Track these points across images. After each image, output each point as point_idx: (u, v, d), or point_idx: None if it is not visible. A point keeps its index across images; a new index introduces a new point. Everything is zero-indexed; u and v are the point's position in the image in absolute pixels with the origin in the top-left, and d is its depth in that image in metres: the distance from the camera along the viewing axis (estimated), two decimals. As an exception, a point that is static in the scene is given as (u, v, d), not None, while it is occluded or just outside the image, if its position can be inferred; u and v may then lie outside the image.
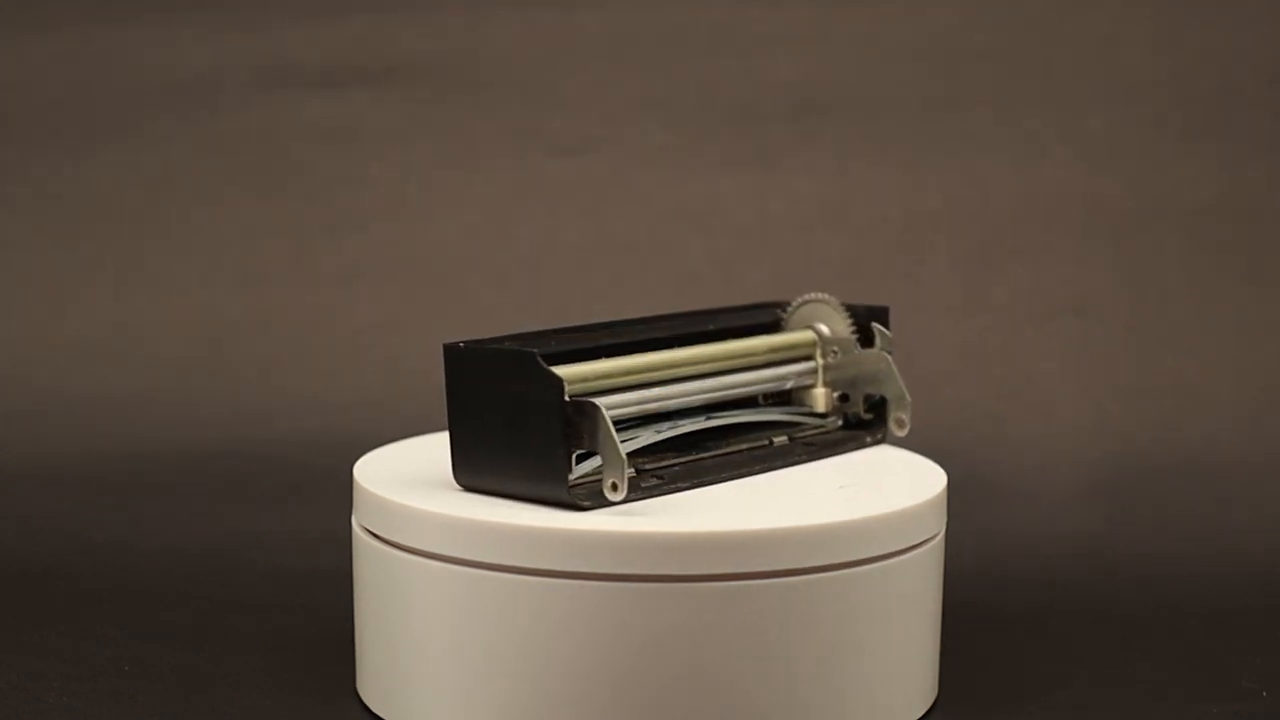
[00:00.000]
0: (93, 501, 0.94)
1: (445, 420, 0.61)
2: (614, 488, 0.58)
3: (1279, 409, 0.97)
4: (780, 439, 0.68)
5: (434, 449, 0.68)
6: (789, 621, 0.57)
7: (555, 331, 0.64)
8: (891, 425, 0.70)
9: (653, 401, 0.63)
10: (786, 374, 0.69)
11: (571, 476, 0.58)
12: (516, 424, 0.58)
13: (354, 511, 0.63)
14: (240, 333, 1.08)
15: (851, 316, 0.70)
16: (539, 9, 1.09)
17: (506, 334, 0.62)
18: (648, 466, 0.62)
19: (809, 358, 0.70)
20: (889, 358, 0.69)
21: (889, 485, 0.64)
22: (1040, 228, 1.03)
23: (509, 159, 1.09)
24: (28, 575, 0.81)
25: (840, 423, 0.71)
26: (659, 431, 0.64)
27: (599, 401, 0.58)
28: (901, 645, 0.61)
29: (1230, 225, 1.01)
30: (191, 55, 1.12)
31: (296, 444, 1.01)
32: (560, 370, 0.58)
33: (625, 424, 0.62)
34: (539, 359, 0.57)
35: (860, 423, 0.71)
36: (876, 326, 0.69)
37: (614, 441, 0.57)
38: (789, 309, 0.71)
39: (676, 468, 0.63)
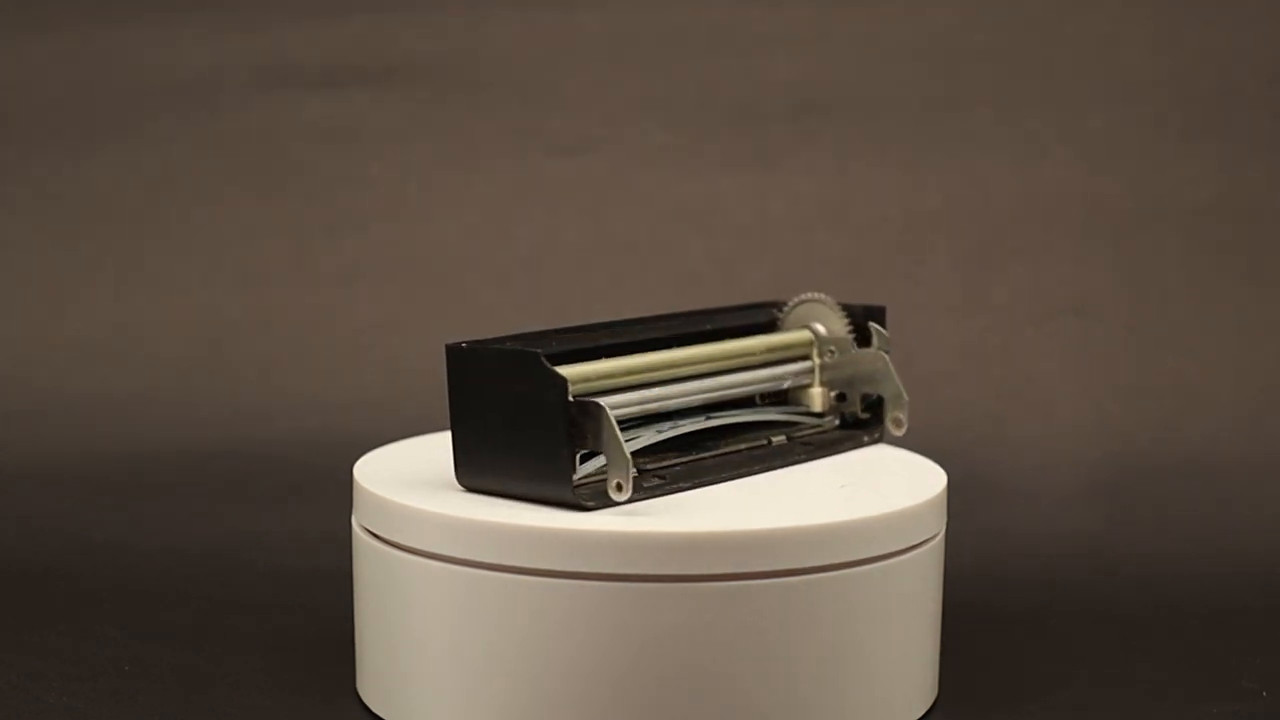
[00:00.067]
0: (93, 501, 0.94)
1: (446, 420, 0.61)
2: (619, 488, 0.58)
3: (1279, 409, 0.97)
4: (779, 439, 0.68)
5: (434, 449, 0.68)
6: (789, 621, 0.57)
7: (555, 331, 0.64)
8: (889, 425, 0.70)
9: (653, 401, 0.63)
10: (784, 374, 0.69)
11: (575, 477, 0.58)
12: (520, 424, 0.58)
13: (354, 511, 0.63)
14: (240, 333, 1.08)
15: (848, 316, 0.70)
16: (539, 9, 1.09)
17: (506, 334, 0.62)
18: (649, 466, 0.62)
19: (806, 357, 0.70)
20: (886, 357, 0.69)
21: (889, 485, 0.64)
22: (1040, 228, 1.03)
23: (509, 159, 1.09)
24: (28, 575, 0.81)
25: (837, 422, 0.71)
26: (660, 431, 0.64)
27: (603, 401, 0.58)
28: (901, 645, 0.61)
29: (1230, 225, 1.01)
30: (191, 55, 1.12)
31: (296, 444, 1.01)
32: (563, 370, 0.58)
33: (626, 424, 0.62)
34: (542, 359, 0.57)
35: (857, 422, 0.71)
36: (874, 326, 0.69)
37: (619, 441, 0.57)
38: (785, 309, 0.71)
39: (677, 468, 0.63)
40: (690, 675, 0.56)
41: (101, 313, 1.10)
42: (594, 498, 0.58)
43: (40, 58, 1.13)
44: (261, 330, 1.08)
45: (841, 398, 0.70)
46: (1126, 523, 0.90)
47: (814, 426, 0.70)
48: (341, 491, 0.67)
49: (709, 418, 0.67)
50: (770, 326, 0.71)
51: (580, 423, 0.58)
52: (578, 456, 0.58)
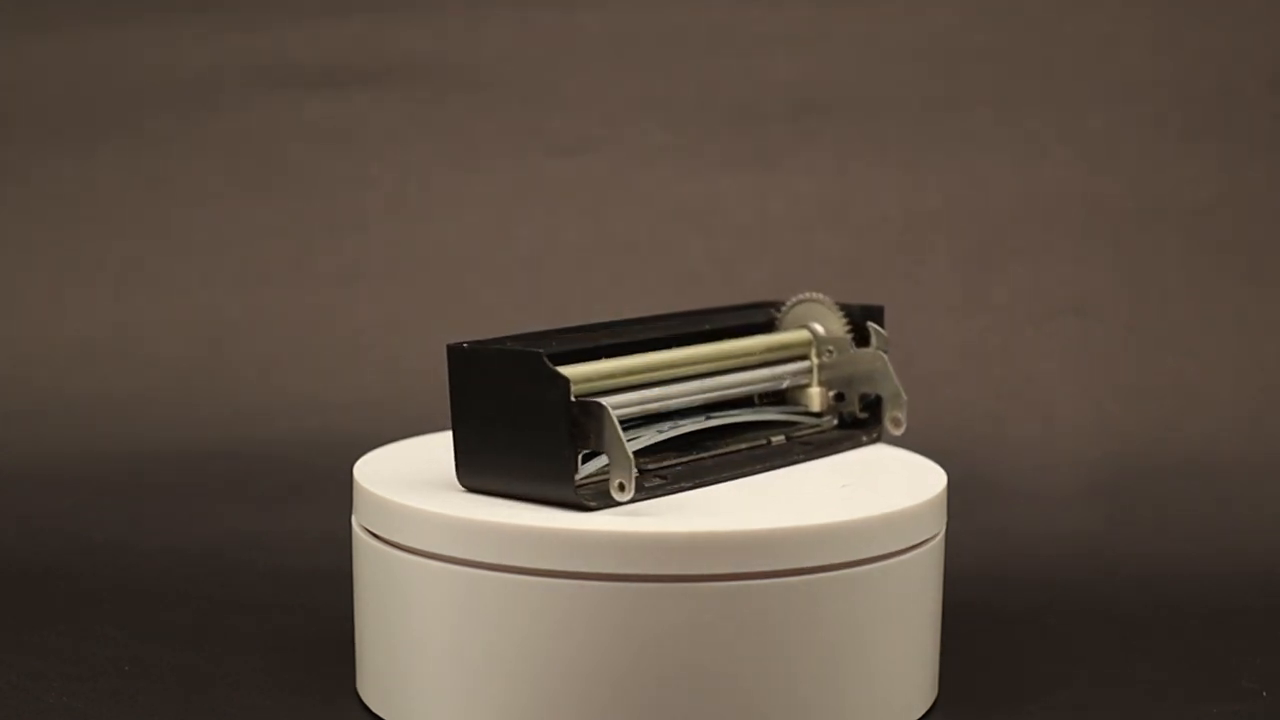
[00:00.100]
0: (93, 501, 0.94)
1: (446, 420, 0.61)
2: (621, 488, 0.58)
3: (1279, 409, 0.97)
4: (778, 438, 0.68)
5: (434, 449, 0.68)
6: (789, 621, 0.57)
7: (555, 332, 0.64)
8: (888, 424, 0.70)
9: (653, 401, 0.63)
10: (783, 373, 0.69)
11: (577, 477, 0.58)
12: (521, 425, 0.58)
13: (354, 511, 0.63)
14: (240, 333, 1.08)
15: (846, 316, 0.70)
16: (539, 9, 1.09)
17: (506, 334, 0.62)
18: (649, 466, 0.62)
19: (805, 357, 0.70)
20: (885, 356, 0.69)
21: (889, 485, 0.64)
22: (1040, 228, 1.03)
23: (509, 159, 1.09)
24: (28, 575, 0.81)
25: (835, 422, 0.71)
26: (661, 431, 0.64)
27: (605, 401, 0.58)
28: (901, 645, 0.61)
29: (1230, 225, 1.01)
30: (191, 55, 1.12)
31: (296, 444, 1.01)
32: (565, 370, 0.58)
33: (626, 424, 0.62)
34: (545, 359, 0.57)
35: (856, 422, 0.71)
36: (872, 325, 0.69)
37: (621, 442, 0.57)
38: (783, 309, 0.71)
39: (678, 468, 0.63)
40: (690, 675, 0.56)
41: (101, 313, 1.10)
42: (596, 498, 0.58)
43: (40, 58, 1.13)
44: (261, 330, 1.08)
45: (840, 397, 0.70)
46: (1126, 523, 0.90)
47: (813, 426, 0.70)
48: (341, 491, 0.67)
49: (709, 417, 0.67)
50: (768, 326, 0.71)
51: (582, 423, 0.58)
52: (579, 457, 0.58)
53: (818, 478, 0.64)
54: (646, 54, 1.08)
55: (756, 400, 0.70)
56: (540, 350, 0.58)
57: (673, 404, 0.64)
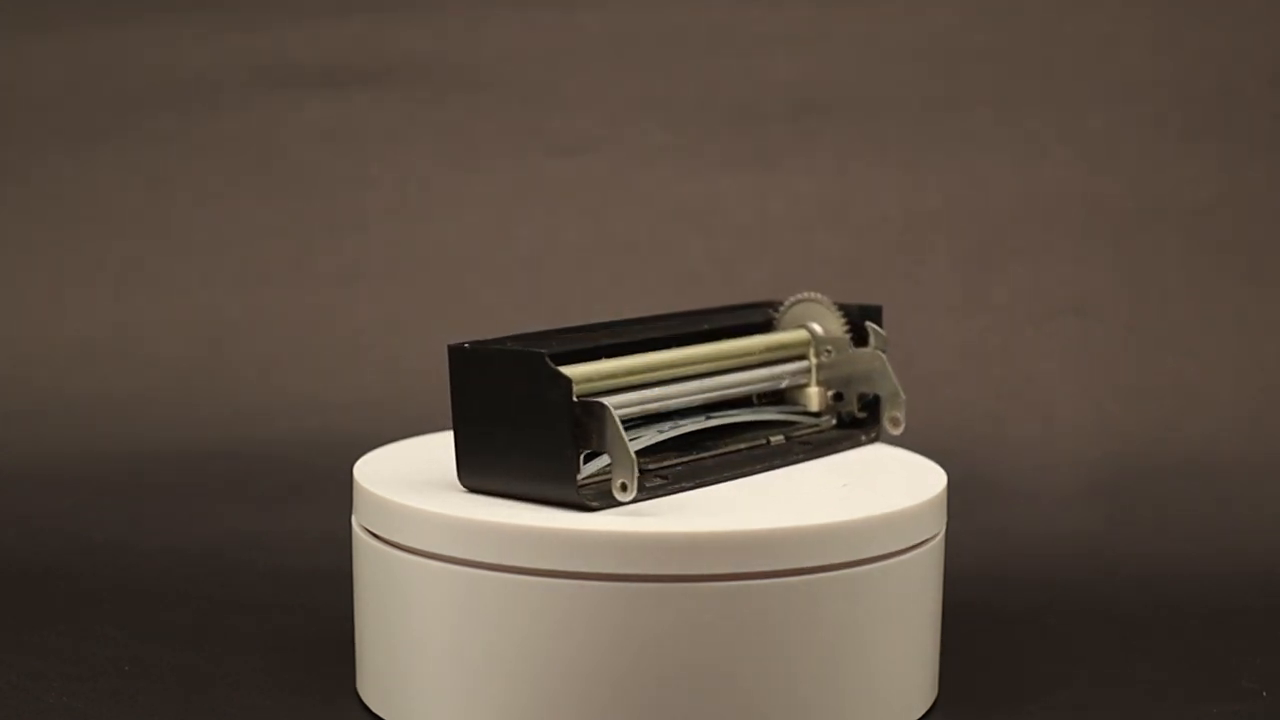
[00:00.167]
0: (93, 501, 0.94)
1: (446, 420, 0.61)
2: (623, 488, 0.58)
3: (1279, 409, 0.97)
4: (777, 438, 0.68)
5: (434, 449, 0.68)
6: (789, 621, 0.57)
7: (555, 332, 0.64)
8: (886, 424, 0.70)
9: (654, 401, 0.63)
10: (782, 373, 0.69)
11: (578, 477, 0.58)
12: (523, 425, 0.58)
13: (354, 511, 0.63)
14: (240, 333, 1.08)
15: (845, 315, 0.70)
16: (539, 9, 1.09)
17: (506, 334, 0.62)
18: (650, 467, 0.62)
19: (803, 357, 0.70)
20: (883, 356, 0.69)
21: (889, 485, 0.64)
22: (1040, 228, 1.03)
23: (509, 159, 1.09)
24: (28, 575, 0.81)
25: (834, 421, 0.71)
26: (661, 431, 0.64)
27: (607, 401, 0.58)
28: (901, 645, 0.61)
29: (1230, 225, 1.01)
30: (191, 55, 1.12)
31: (296, 444, 1.01)
32: (566, 370, 0.58)
33: (627, 424, 0.62)
34: (547, 359, 0.57)
35: (854, 421, 0.71)
36: (870, 325, 0.69)
37: (624, 442, 0.57)
38: (781, 308, 0.71)
39: (679, 467, 0.63)
40: (690, 675, 0.56)
41: (101, 313, 1.10)
42: (598, 498, 0.58)
43: (40, 58, 1.13)
44: (261, 330, 1.08)
45: (838, 397, 0.70)
46: (1126, 523, 0.90)
47: (811, 426, 0.70)
48: (341, 491, 0.67)
49: (709, 417, 0.67)
50: (766, 326, 0.71)
51: (584, 423, 0.57)
52: (581, 457, 0.58)
53: (818, 478, 0.64)
54: (646, 54, 1.08)
55: (755, 400, 0.70)
56: (542, 350, 0.58)
57: (672, 404, 0.64)
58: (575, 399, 0.57)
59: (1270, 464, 0.94)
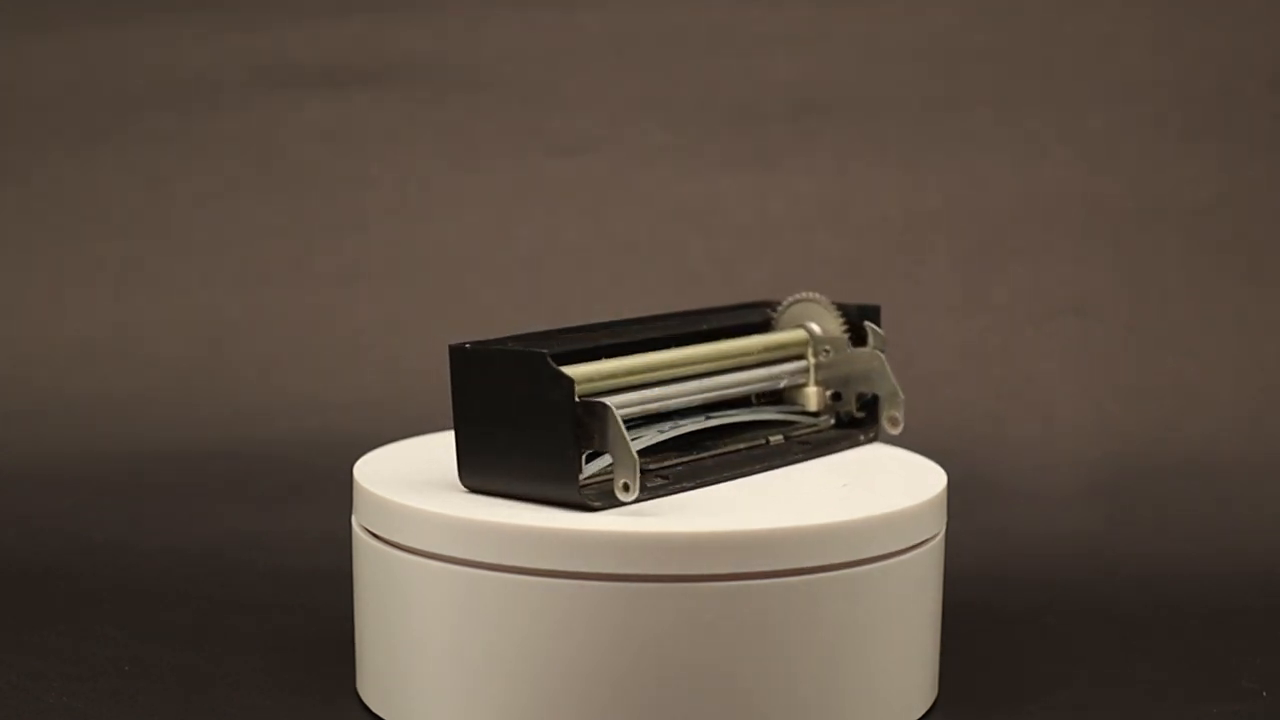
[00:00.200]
0: (93, 501, 0.94)
1: (446, 420, 0.61)
2: (626, 488, 0.58)
3: (1279, 409, 0.97)
4: (776, 438, 0.68)
5: (434, 449, 0.68)
6: (789, 621, 0.57)
7: (556, 332, 0.64)
8: (885, 423, 0.70)
9: (654, 401, 0.63)
10: (780, 373, 0.69)
11: (580, 477, 0.58)
12: (525, 425, 0.58)
13: (354, 511, 0.63)
14: (240, 333, 1.08)
15: (843, 315, 0.70)
16: (539, 9, 1.09)
17: (506, 335, 0.62)
18: (650, 467, 0.62)
19: (802, 357, 0.70)
20: (882, 356, 0.69)
21: (889, 485, 0.64)
22: (1040, 228, 1.03)
23: (509, 159, 1.09)
24: (28, 575, 0.81)
25: (832, 421, 0.71)
26: (662, 431, 0.64)
27: (609, 401, 0.58)
28: (901, 645, 0.61)
29: (1230, 225, 1.01)
30: (191, 55, 1.12)
31: (296, 444, 1.01)
32: (568, 371, 0.58)
33: (628, 424, 0.62)
34: (549, 359, 0.57)
35: (853, 421, 0.71)
36: (869, 325, 0.69)
37: (626, 442, 0.57)
38: (779, 308, 0.71)
39: (680, 467, 0.63)
40: (690, 675, 0.56)
41: (101, 313, 1.10)
42: (600, 498, 0.58)
43: (40, 58, 1.13)
44: (261, 330, 1.08)
45: (837, 397, 0.70)
46: (1126, 523, 0.90)
47: (810, 426, 0.70)
48: (341, 491, 0.67)
49: (708, 417, 0.67)
50: (764, 326, 0.71)
51: (586, 423, 0.57)
52: (583, 457, 0.58)
53: (817, 478, 0.64)
54: (646, 54, 1.08)
55: (754, 400, 0.70)
56: (544, 350, 0.58)
57: (672, 404, 0.64)
58: (577, 399, 0.57)
59: (1270, 464, 0.94)
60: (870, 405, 0.70)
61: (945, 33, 1.05)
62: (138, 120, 1.12)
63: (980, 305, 1.02)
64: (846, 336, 0.70)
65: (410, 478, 0.63)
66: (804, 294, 0.70)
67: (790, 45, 1.07)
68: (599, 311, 0.73)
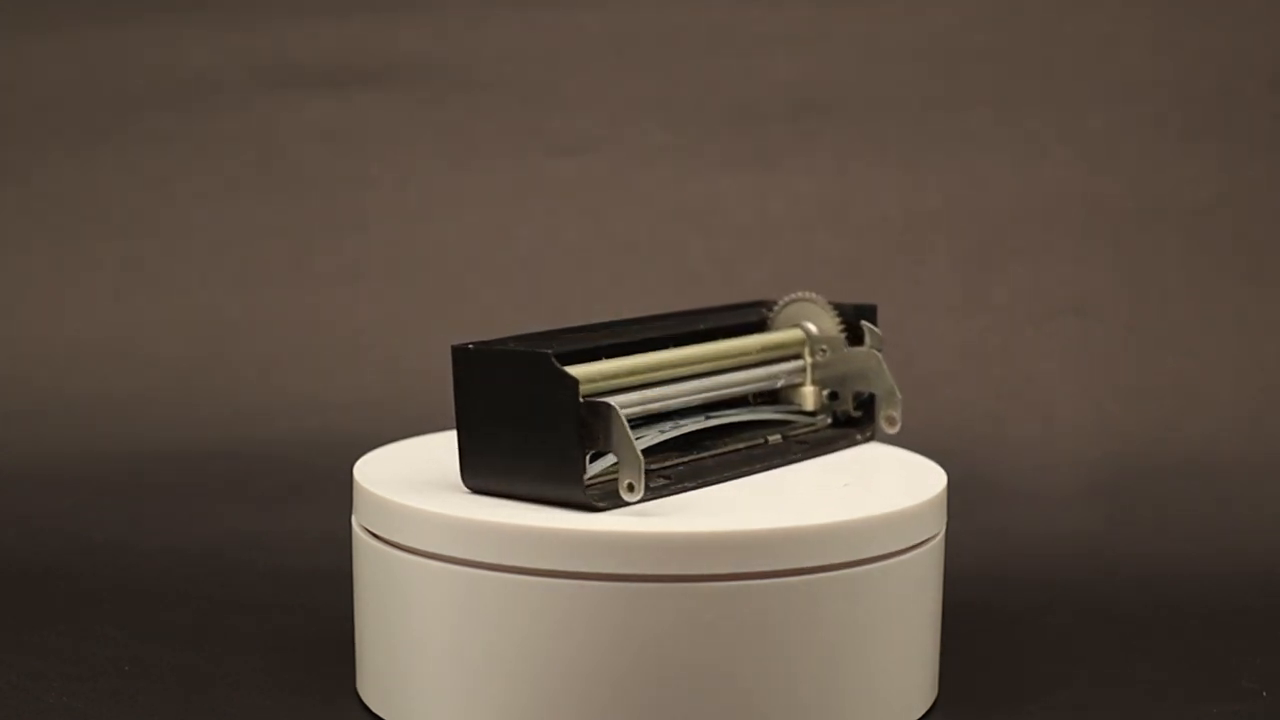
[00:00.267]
0: (93, 501, 0.94)
1: (446, 420, 0.61)
2: (630, 488, 0.58)
3: (1279, 409, 0.97)
4: (774, 438, 0.68)
5: (434, 449, 0.68)
6: (789, 621, 0.57)
7: (556, 332, 0.64)
8: (882, 423, 0.70)
9: (655, 401, 0.63)
10: (778, 372, 0.69)
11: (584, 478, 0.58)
12: (529, 426, 0.58)
13: (354, 511, 0.63)
14: (240, 333, 1.08)
15: (839, 314, 0.70)
16: (539, 9, 1.09)
17: (506, 334, 0.62)
18: (651, 467, 0.62)
19: (799, 356, 0.70)
20: (879, 355, 0.69)
21: (889, 485, 0.64)
22: (1040, 228, 1.03)
23: (509, 159, 1.09)
24: (28, 575, 0.81)
25: (829, 420, 0.71)
26: (663, 431, 0.64)
27: (613, 401, 0.58)
28: (901, 645, 0.61)
29: (1230, 225, 1.01)
30: (191, 55, 1.12)
31: (296, 444, 1.01)
32: (571, 371, 0.58)
33: (630, 424, 0.62)
34: (553, 360, 0.57)
35: (850, 420, 0.71)
36: (866, 324, 0.69)
37: (631, 442, 0.57)
38: (775, 308, 0.71)
39: (681, 467, 0.63)
40: (690, 675, 0.56)
41: (101, 313, 1.10)
42: (604, 498, 0.58)
43: (40, 58, 1.13)
44: (261, 330, 1.08)
45: (834, 396, 0.70)
46: (1126, 523, 0.90)
47: (807, 425, 0.70)
48: (341, 491, 0.67)
49: (708, 417, 0.67)
50: (761, 326, 0.71)
51: (590, 423, 0.57)
52: (587, 457, 0.58)
53: (817, 478, 0.64)
54: (646, 54, 1.08)
55: (751, 400, 0.70)
56: (548, 350, 0.57)
57: (673, 404, 0.64)
58: (581, 399, 0.57)
59: (1270, 464, 0.94)
60: (867, 404, 0.70)
61: (945, 33, 1.05)
62: (138, 120, 1.13)
63: (980, 305, 1.02)
64: (843, 336, 0.70)
65: (410, 478, 0.63)
66: (800, 294, 0.70)
67: (790, 45, 1.07)
68: (599, 311, 0.73)
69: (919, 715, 0.63)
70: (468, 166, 1.09)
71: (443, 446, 0.66)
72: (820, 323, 0.70)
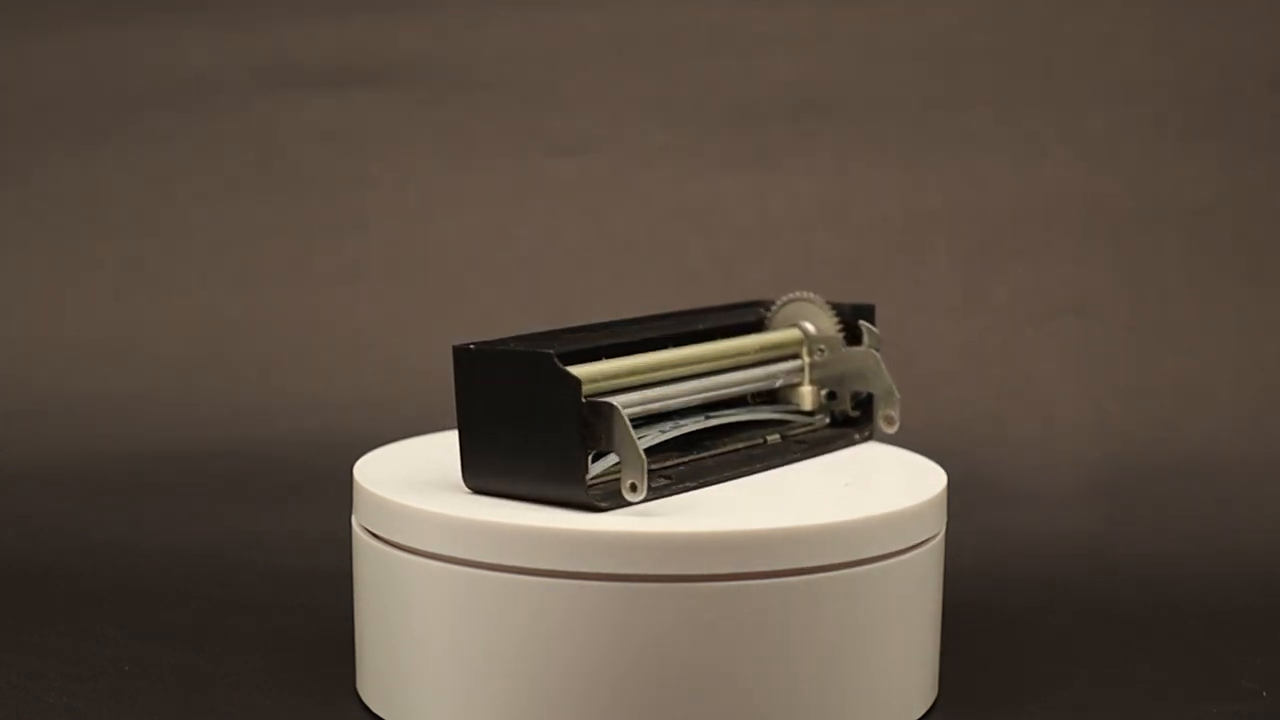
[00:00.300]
0: (93, 501, 0.94)
1: (446, 420, 0.61)
2: (633, 488, 0.58)
3: (1279, 409, 0.97)
4: (773, 437, 0.68)
5: (434, 449, 0.68)
6: (789, 621, 0.57)
7: (557, 332, 0.64)
8: (881, 422, 0.70)
9: (656, 401, 0.63)
10: (776, 372, 0.69)
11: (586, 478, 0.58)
12: (531, 426, 0.58)
13: (354, 511, 0.63)
14: (240, 333, 1.08)
15: (837, 314, 0.70)
16: (539, 9, 1.09)
17: (506, 334, 0.62)
18: (652, 467, 0.62)
19: (797, 356, 0.70)
20: (877, 355, 0.69)
21: (889, 485, 0.64)
22: (1040, 228, 1.03)
23: (509, 159, 1.09)
24: (28, 575, 0.81)
25: (827, 420, 0.71)
26: (663, 431, 0.64)
27: (615, 401, 0.58)
28: (901, 645, 0.61)
29: (1230, 225, 1.01)
30: (191, 55, 1.12)
31: (296, 444, 1.01)
32: (573, 371, 0.58)
33: (631, 424, 0.62)
34: (555, 360, 0.57)
35: (848, 420, 0.71)
36: (864, 324, 0.69)
37: (634, 442, 0.57)
38: (773, 308, 0.71)
39: (681, 467, 0.63)
40: (690, 675, 0.56)
41: (101, 313, 1.10)
42: (606, 498, 0.58)
43: (40, 58, 1.13)
44: (261, 330, 1.08)
45: (832, 396, 0.70)
46: (1126, 523, 0.90)
47: (805, 425, 0.70)
48: (341, 491, 0.67)
49: (707, 417, 0.67)
50: (758, 326, 0.71)
51: (592, 423, 0.57)
52: (589, 457, 0.58)
53: (818, 477, 0.64)
54: (646, 54, 1.08)
55: (749, 399, 0.70)
56: (551, 351, 0.57)
57: (674, 404, 0.64)
58: (583, 399, 0.57)
59: (1270, 464, 0.94)
60: (865, 404, 0.70)
61: (945, 33, 1.05)
62: (138, 120, 1.13)
63: (980, 305, 1.02)
64: (841, 335, 0.70)
65: (410, 478, 0.63)
66: (798, 293, 0.70)
67: (790, 45, 1.07)
68: (599, 311, 0.73)
69: (919, 715, 0.63)
70: (468, 166, 1.09)
71: (443, 446, 0.66)
72: (818, 322, 0.70)
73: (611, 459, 0.59)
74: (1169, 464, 0.94)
